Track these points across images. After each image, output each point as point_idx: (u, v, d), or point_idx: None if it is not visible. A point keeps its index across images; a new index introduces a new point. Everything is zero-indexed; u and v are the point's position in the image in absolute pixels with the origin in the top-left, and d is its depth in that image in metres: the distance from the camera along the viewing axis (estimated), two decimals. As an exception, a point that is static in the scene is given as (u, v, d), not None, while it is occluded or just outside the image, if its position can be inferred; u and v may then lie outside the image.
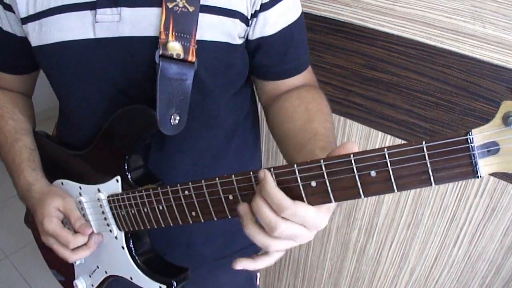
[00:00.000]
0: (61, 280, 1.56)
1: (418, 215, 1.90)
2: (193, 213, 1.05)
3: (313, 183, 0.85)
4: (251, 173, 0.92)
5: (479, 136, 0.70)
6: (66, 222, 1.30)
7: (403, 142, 1.61)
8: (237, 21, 1.16)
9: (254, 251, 1.59)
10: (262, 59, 1.29)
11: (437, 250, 1.92)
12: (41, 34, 1.15)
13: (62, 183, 1.35)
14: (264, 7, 1.19)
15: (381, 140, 1.85)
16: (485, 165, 0.72)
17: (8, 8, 1.19)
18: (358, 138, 1.92)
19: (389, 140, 1.83)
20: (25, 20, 1.16)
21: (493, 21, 1.41)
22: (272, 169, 0.89)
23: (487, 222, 1.73)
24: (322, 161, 0.83)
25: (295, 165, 0.86)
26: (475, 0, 1.42)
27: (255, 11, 1.19)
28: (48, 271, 1.60)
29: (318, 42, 1.82)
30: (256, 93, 1.45)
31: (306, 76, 1.37)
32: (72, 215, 1.27)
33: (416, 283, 2.07)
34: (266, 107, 1.40)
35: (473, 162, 0.72)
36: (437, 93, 1.61)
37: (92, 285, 1.40)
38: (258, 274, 1.72)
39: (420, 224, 1.91)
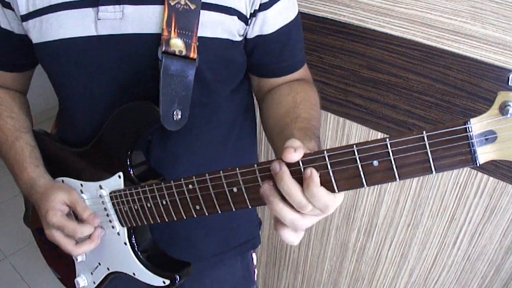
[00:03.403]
0: (60, 277, 1.57)
1: (417, 215, 1.91)
2: (197, 207, 1.06)
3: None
4: (255, 165, 0.93)
5: (477, 125, 0.73)
6: (70, 216, 1.31)
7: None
8: (235, 18, 1.18)
9: (252, 246, 1.61)
10: (260, 57, 1.31)
11: (437, 250, 1.93)
12: (42, 31, 1.16)
13: (63, 181, 1.36)
14: (263, 7, 1.21)
15: (380, 141, 1.86)
16: (483, 153, 0.74)
17: (7, 5, 1.20)
18: (357, 138, 1.93)
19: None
20: (25, 17, 1.17)
21: (493, 22, 1.42)
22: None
23: (486, 222, 1.73)
24: (325, 152, 0.85)
25: None
26: (475, 1, 1.42)
27: (254, 10, 1.21)
28: (47, 272, 1.60)
29: (318, 42, 1.83)
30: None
31: (301, 73, 1.39)
32: (79, 206, 1.27)
33: (415, 283, 2.08)
34: (259, 101, 1.43)
35: (472, 150, 0.74)
36: (437, 93, 1.62)
37: (94, 282, 1.40)
38: (256, 270, 1.72)
39: (420, 224, 1.92)
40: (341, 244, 2.24)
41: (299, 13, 1.32)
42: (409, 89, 1.69)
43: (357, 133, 1.91)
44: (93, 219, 1.26)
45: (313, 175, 0.86)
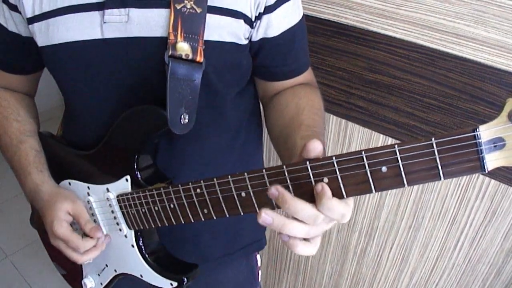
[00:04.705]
0: (63, 273, 1.58)
1: (418, 218, 1.91)
2: (205, 211, 1.06)
3: (325, 179, 0.87)
4: (264, 170, 0.93)
5: (486, 132, 0.73)
6: (75, 223, 1.31)
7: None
8: (241, 21, 1.18)
9: (258, 248, 1.61)
10: (264, 60, 1.31)
11: (438, 253, 1.93)
12: (48, 34, 1.16)
13: (70, 183, 1.36)
14: (268, 10, 1.21)
15: (382, 143, 1.86)
16: (491, 160, 0.74)
17: (14, 8, 1.20)
18: (359, 140, 1.93)
19: (390, 143, 1.83)
20: (31, 20, 1.17)
21: (495, 25, 1.43)
22: (285, 166, 0.91)
23: (487, 225, 1.74)
24: (334, 157, 0.85)
25: (307, 162, 0.88)
26: (478, 4, 1.43)
27: (259, 13, 1.20)
28: (48, 271, 1.61)
29: (321, 45, 1.83)
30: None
31: (305, 76, 1.39)
32: (82, 218, 1.28)
33: (416, 286, 2.08)
34: (264, 105, 1.44)
35: (481, 157, 0.74)
36: (439, 96, 1.63)
37: (101, 284, 1.41)
38: (260, 271, 1.73)
39: (421, 227, 1.92)
40: (342, 246, 2.24)
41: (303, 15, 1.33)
42: (411, 92, 1.69)
43: (359, 135, 1.91)
44: (95, 232, 1.27)
45: (325, 189, 0.86)
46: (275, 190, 0.88)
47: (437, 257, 1.95)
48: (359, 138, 1.92)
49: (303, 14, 1.33)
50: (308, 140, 0.92)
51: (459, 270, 1.91)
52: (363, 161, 0.83)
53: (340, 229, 2.20)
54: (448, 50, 1.55)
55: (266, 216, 0.88)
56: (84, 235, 1.28)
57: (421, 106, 1.69)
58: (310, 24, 1.79)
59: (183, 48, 1.11)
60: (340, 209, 0.87)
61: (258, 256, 1.70)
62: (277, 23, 1.24)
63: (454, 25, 1.50)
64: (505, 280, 1.80)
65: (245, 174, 0.96)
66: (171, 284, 1.25)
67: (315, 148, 0.87)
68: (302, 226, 0.89)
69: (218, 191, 1.01)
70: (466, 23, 1.48)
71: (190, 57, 1.12)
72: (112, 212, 1.27)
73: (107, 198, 1.26)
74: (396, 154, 0.80)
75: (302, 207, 0.87)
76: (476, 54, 1.50)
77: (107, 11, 1.12)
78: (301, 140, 1.11)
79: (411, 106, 1.71)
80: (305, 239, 0.92)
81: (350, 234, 2.18)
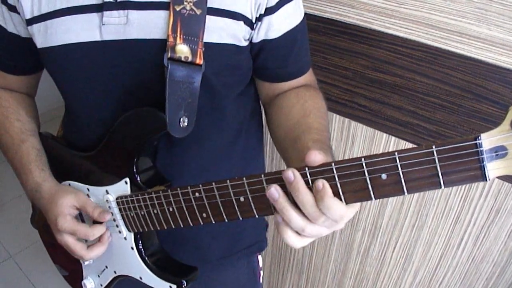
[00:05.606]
0: (65, 275, 1.58)
1: (422, 217, 1.90)
2: (204, 215, 1.06)
3: None
4: (262, 175, 0.93)
5: (487, 140, 0.72)
6: (78, 219, 1.31)
7: (407, 144, 1.60)
8: (241, 23, 1.17)
9: (258, 249, 1.61)
10: (265, 61, 1.30)
11: (441, 252, 1.93)
12: (46, 36, 1.16)
13: (69, 185, 1.36)
14: (269, 11, 1.20)
15: (385, 142, 1.86)
16: (493, 169, 0.73)
17: (13, 9, 1.20)
18: (362, 139, 1.92)
19: (394, 142, 1.83)
20: (30, 22, 1.17)
21: (498, 23, 1.42)
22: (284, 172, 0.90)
23: (491, 224, 1.73)
24: (333, 164, 0.84)
25: (306, 168, 0.87)
26: (481, 2, 1.42)
27: (260, 14, 1.19)
28: (52, 271, 1.61)
29: (323, 43, 1.82)
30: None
31: (306, 77, 1.38)
32: (89, 206, 1.27)
33: (420, 285, 2.08)
34: (266, 107, 1.43)
35: (482, 166, 0.73)
36: (442, 95, 1.62)
37: (101, 285, 1.41)
38: (262, 272, 1.73)
39: (424, 226, 1.92)
40: (346, 245, 2.24)
41: (305, 14, 1.31)
42: (414, 90, 1.68)
43: (362, 134, 1.91)
44: (105, 215, 1.25)
45: (326, 187, 0.85)
46: (291, 173, 0.88)
47: (440, 255, 1.94)
48: (362, 137, 1.92)
49: (305, 13, 1.31)
50: (316, 146, 0.92)
51: (462, 269, 1.90)
52: (363, 168, 0.82)
53: (344, 228, 2.18)
54: (451, 48, 1.54)
55: (274, 192, 0.89)
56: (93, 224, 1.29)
57: (424, 105, 1.68)
58: (313, 23, 1.79)
59: (183, 50, 1.10)
60: (340, 209, 0.86)
61: (259, 257, 1.69)
62: (278, 25, 1.23)
63: (457, 23, 1.49)
64: (509, 279, 1.79)
65: (244, 179, 0.96)
66: (170, 287, 1.25)
67: (315, 161, 0.87)
68: (300, 219, 0.89)
69: (217, 195, 1.01)
70: (469, 21, 1.47)
71: (190, 59, 1.11)
72: (112, 214, 1.27)
73: (107, 200, 1.26)
74: (396, 162, 0.79)
75: (311, 200, 0.87)
76: (479, 52, 1.49)
77: (106, 13, 1.11)
78: (314, 143, 1.10)
79: (414, 105, 1.70)
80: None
81: (353, 233, 2.18)
